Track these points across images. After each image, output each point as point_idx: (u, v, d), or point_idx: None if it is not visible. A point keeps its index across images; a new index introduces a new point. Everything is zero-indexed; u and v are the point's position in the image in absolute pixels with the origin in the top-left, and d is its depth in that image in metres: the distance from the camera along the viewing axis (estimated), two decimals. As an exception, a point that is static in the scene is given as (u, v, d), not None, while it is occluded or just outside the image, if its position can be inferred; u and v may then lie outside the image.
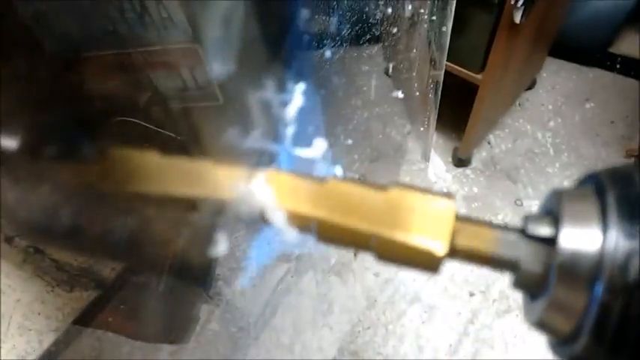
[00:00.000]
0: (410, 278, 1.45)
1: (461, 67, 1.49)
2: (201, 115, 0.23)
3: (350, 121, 0.70)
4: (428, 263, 0.28)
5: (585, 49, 1.99)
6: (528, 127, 1.86)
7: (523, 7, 1.36)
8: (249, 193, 0.29)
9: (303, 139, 0.32)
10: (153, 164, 0.25)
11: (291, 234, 0.29)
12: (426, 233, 0.28)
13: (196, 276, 0.28)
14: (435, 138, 1.74)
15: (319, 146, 0.30)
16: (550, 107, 1.92)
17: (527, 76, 1.91)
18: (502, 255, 0.27)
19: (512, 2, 1.36)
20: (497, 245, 0.27)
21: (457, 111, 1.66)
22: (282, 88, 0.29)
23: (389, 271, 1.45)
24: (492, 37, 1.41)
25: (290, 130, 0.30)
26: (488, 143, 1.81)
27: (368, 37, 0.70)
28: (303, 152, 0.31)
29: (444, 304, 1.42)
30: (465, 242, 0.28)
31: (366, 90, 0.72)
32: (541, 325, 0.27)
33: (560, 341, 0.27)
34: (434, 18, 1.14)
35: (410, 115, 1.27)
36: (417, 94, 1.17)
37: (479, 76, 1.47)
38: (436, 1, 1.17)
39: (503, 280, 1.43)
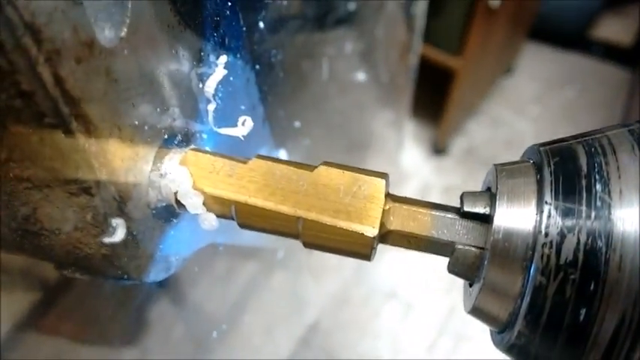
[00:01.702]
0: (386, 274, 1.42)
1: (437, 50, 1.47)
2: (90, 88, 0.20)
3: (307, 105, 0.67)
4: (358, 247, 0.26)
5: (563, 33, 1.98)
6: (507, 114, 1.84)
7: (499, -9, 1.34)
8: (160, 175, 0.26)
9: (229, 117, 0.29)
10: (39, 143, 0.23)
11: (210, 220, 0.27)
12: (355, 214, 0.25)
13: (105, 268, 0.25)
14: (412, 126, 1.72)
15: (246, 125, 0.28)
16: (529, 93, 1.91)
17: (505, 60, 1.89)
18: (437, 236, 0.25)
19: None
20: (432, 226, 0.25)
21: (434, 98, 1.63)
22: (200, 59, 0.27)
23: (365, 267, 1.42)
24: (469, 20, 1.39)
25: (211, 107, 0.28)
26: (466, 132, 1.79)
27: (328, 15, 0.68)
28: (227, 131, 0.28)
29: (421, 300, 1.40)
30: (397, 223, 0.25)
31: (326, 71, 0.69)
32: (477, 311, 0.25)
33: (498, 329, 0.25)
34: None
35: (382, 101, 1.25)
36: (390, 78, 1.14)
37: (455, 61, 1.45)
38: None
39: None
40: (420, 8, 1.20)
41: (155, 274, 0.28)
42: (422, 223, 0.25)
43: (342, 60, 0.84)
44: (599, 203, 0.21)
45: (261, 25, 0.34)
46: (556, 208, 0.21)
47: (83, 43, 0.20)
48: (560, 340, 0.21)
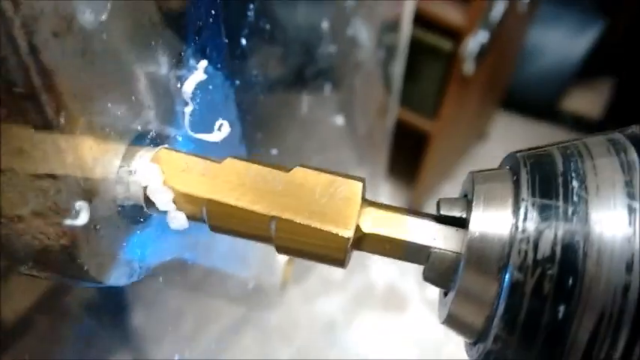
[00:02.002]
0: (357, 339, 1.38)
1: (413, 113, 1.51)
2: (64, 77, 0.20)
3: (283, 144, 0.67)
4: (333, 250, 0.25)
5: (535, 103, 2.05)
6: (480, 179, 1.87)
7: (473, 59, 1.40)
8: (129, 171, 0.25)
9: (206, 125, 0.29)
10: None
11: (179, 219, 0.26)
12: (330, 216, 0.25)
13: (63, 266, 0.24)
14: (387, 187, 1.73)
15: (223, 130, 0.27)
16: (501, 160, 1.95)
17: (479, 127, 1.95)
18: (413, 240, 0.24)
19: (463, 53, 1.40)
20: (409, 229, 0.25)
21: (409, 160, 1.66)
22: (179, 62, 0.27)
23: (336, 329, 1.39)
24: (444, 85, 1.44)
25: (188, 110, 0.27)
26: (441, 194, 1.81)
27: (310, 74, 0.69)
28: (203, 136, 0.28)
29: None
30: (373, 226, 0.25)
31: (305, 106, 0.70)
32: (451, 319, 0.24)
33: (472, 339, 0.24)
34: (385, 59, 1.15)
35: (359, 157, 1.26)
36: (367, 134, 1.16)
37: (431, 124, 1.48)
38: (387, 48, 1.19)
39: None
40: (397, 68, 1.24)
41: (116, 278, 0.26)
42: (398, 226, 0.25)
43: (321, 103, 0.85)
44: (575, 199, 0.20)
45: (243, 42, 0.35)
46: (533, 205, 0.21)
47: (62, 17, 0.20)
48: (539, 341, 0.20)
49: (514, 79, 1.88)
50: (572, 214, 0.20)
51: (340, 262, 0.25)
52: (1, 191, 0.22)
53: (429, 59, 1.46)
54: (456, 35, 1.40)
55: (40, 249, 0.24)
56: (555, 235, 0.20)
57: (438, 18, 1.41)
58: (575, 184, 0.21)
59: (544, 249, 0.20)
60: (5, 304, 0.34)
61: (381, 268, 1.52)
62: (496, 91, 1.82)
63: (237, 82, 0.34)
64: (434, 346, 1.40)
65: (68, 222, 0.22)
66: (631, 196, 0.20)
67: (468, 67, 1.42)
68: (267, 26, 0.44)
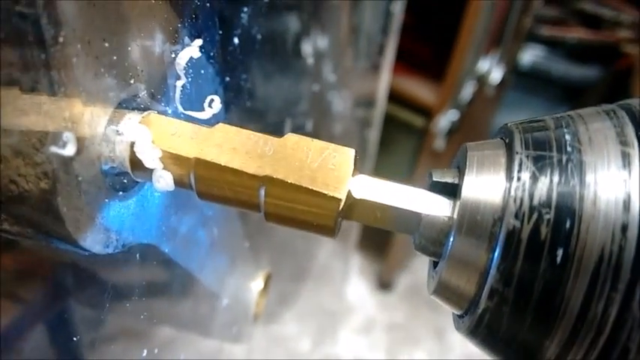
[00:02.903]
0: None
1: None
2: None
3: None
4: (323, 215, 0.24)
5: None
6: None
7: (444, 136, 1.45)
8: (117, 131, 0.25)
9: (196, 104, 0.29)
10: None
11: (166, 179, 0.25)
12: (322, 180, 0.24)
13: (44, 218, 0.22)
14: (357, 259, 1.72)
15: (214, 106, 0.27)
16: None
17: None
18: (404, 207, 0.24)
19: (434, 130, 1.45)
20: (400, 196, 0.24)
21: (380, 232, 1.66)
22: (175, 37, 0.27)
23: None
24: (416, 159, 1.47)
25: (180, 84, 0.27)
26: (412, 269, 1.81)
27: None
28: (193, 114, 0.28)
29: None
30: (364, 193, 0.24)
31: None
32: (442, 287, 0.23)
33: (463, 310, 0.23)
34: (361, 131, 1.18)
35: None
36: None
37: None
38: (363, 121, 1.22)
39: None
40: (372, 139, 1.27)
41: (92, 242, 0.25)
42: (389, 194, 0.24)
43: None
44: (569, 149, 0.21)
45: (236, 40, 0.35)
46: (527, 157, 0.21)
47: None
48: (537, 290, 0.20)
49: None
50: (567, 161, 0.20)
51: (330, 229, 0.25)
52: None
53: (402, 134, 1.51)
54: (427, 113, 1.45)
55: (16, 195, 0.22)
56: (551, 181, 0.20)
57: (411, 96, 1.47)
58: (568, 137, 0.21)
59: (540, 195, 0.20)
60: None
61: (349, 340, 1.47)
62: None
63: (228, 78, 0.34)
64: None
65: (54, 149, 0.21)
66: (623, 143, 0.20)
67: (439, 143, 1.46)
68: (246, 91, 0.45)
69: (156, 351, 0.43)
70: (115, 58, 0.24)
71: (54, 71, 0.21)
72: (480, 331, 0.22)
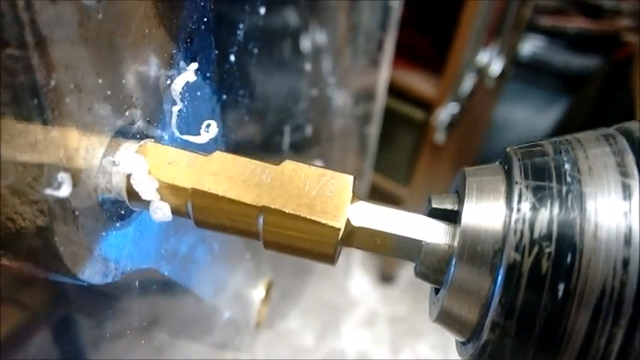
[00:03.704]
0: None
1: (386, 179, 1.53)
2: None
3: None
4: (322, 245, 0.24)
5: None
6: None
7: (444, 129, 1.45)
8: (113, 162, 0.25)
9: (193, 128, 0.29)
10: None
11: (163, 209, 0.25)
12: (320, 208, 0.24)
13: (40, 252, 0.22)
14: (359, 253, 1.72)
15: (210, 131, 0.27)
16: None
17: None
18: (404, 234, 0.24)
19: (434, 123, 1.45)
20: (400, 223, 0.24)
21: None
22: (170, 62, 0.27)
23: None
24: (416, 153, 1.47)
25: (176, 109, 0.27)
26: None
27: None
28: (190, 138, 0.27)
29: None
30: (364, 220, 0.24)
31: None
32: (444, 315, 0.23)
33: (466, 337, 0.23)
34: (361, 125, 1.17)
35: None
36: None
37: (403, 190, 1.50)
38: (363, 115, 1.22)
39: None
40: (372, 133, 1.27)
41: (90, 274, 0.25)
42: (389, 220, 0.24)
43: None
44: (569, 179, 0.20)
45: (232, 58, 0.35)
46: (527, 187, 0.21)
47: (60, -15, 0.20)
48: (539, 323, 0.20)
49: (484, 150, 1.93)
50: (567, 192, 0.20)
51: (330, 257, 0.25)
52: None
53: (402, 128, 1.50)
54: (427, 106, 1.45)
55: (13, 232, 0.22)
56: (551, 214, 0.20)
57: (411, 89, 1.47)
58: (567, 167, 0.21)
59: (540, 227, 0.20)
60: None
61: (352, 334, 1.47)
62: (466, 160, 1.87)
63: (225, 96, 0.34)
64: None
65: (49, 192, 0.21)
66: (624, 174, 0.20)
67: (439, 136, 1.46)
68: (245, 92, 0.45)
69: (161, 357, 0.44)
70: (109, 91, 0.24)
71: (47, 110, 0.20)
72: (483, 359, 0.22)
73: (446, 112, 1.43)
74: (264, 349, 1.23)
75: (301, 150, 0.79)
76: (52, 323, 0.42)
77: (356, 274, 1.69)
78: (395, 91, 1.40)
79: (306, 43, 0.72)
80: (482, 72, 1.47)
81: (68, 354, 0.42)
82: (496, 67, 1.48)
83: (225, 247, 0.41)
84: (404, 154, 1.51)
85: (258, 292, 0.50)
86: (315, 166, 0.25)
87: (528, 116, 1.84)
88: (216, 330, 0.51)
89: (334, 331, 1.47)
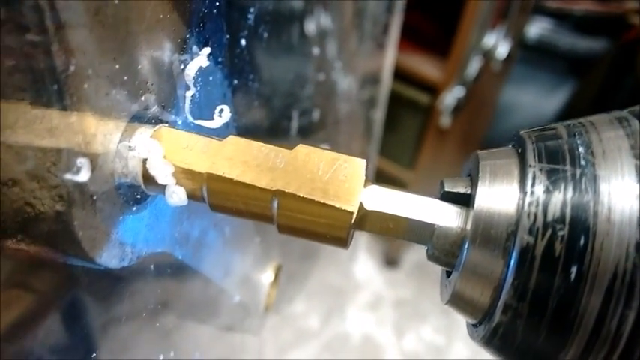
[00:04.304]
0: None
1: (391, 163, 1.53)
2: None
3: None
4: (336, 229, 0.24)
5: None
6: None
7: (450, 113, 1.45)
8: (129, 147, 0.25)
9: (206, 113, 0.29)
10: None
11: (179, 194, 0.25)
12: (334, 192, 0.24)
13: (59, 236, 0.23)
14: (364, 237, 1.73)
15: (223, 115, 0.27)
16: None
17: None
18: (417, 217, 0.24)
19: (440, 107, 1.44)
20: (413, 207, 0.24)
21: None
22: (183, 47, 0.27)
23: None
24: (422, 137, 1.47)
25: (189, 94, 0.27)
26: (418, 245, 1.81)
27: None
28: (203, 123, 0.28)
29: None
30: (376, 204, 0.25)
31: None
32: (456, 298, 0.23)
33: (477, 319, 0.23)
34: (366, 109, 1.17)
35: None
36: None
37: (408, 174, 1.50)
38: (368, 99, 1.21)
39: None
40: (378, 117, 1.26)
41: (108, 258, 0.25)
42: (402, 204, 0.25)
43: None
44: (583, 162, 0.21)
45: (243, 42, 0.35)
46: (540, 170, 0.21)
47: (77, -29, 0.20)
48: (551, 306, 0.20)
49: (489, 134, 1.93)
50: (581, 175, 0.20)
51: (343, 240, 0.25)
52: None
53: (408, 112, 1.50)
54: (433, 90, 1.44)
55: (32, 217, 0.23)
56: (565, 197, 0.20)
57: (417, 73, 1.46)
58: (581, 150, 0.21)
59: (554, 211, 0.20)
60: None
61: (357, 317, 1.49)
62: (472, 144, 1.86)
63: (235, 81, 0.34)
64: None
65: (68, 177, 0.21)
66: (637, 157, 0.20)
67: (445, 120, 1.46)
68: (254, 77, 0.45)
69: (170, 340, 0.44)
70: (125, 76, 0.24)
71: (66, 96, 0.21)
72: (495, 342, 0.22)
73: (452, 95, 1.43)
74: (270, 332, 1.24)
75: (308, 134, 0.79)
76: (64, 306, 0.43)
77: (361, 257, 1.70)
78: (400, 74, 1.40)
79: (312, 28, 0.72)
80: (488, 55, 1.46)
81: (79, 337, 0.43)
82: (502, 49, 1.48)
83: (236, 231, 0.42)
84: (409, 138, 1.50)
85: (267, 276, 0.51)
86: (328, 150, 0.26)
87: (534, 99, 1.83)
88: (225, 312, 0.51)
89: (339, 314, 1.49)
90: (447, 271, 0.26)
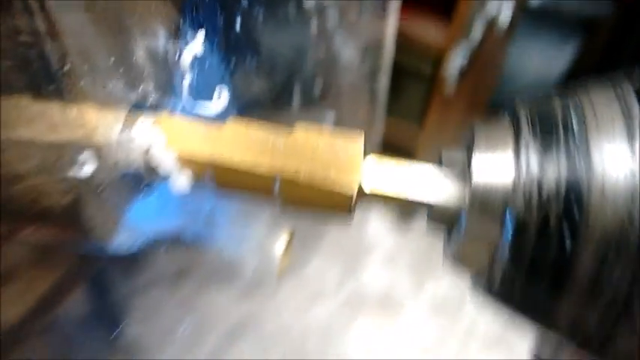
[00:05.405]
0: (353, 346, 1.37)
1: (397, 132, 1.52)
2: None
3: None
4: (338, 204, 0.25)
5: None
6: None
7: (454, 80, 1.43)
8: (130, 136, 0.25)
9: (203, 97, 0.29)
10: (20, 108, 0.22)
11: (182, 181, 0.26)
12: (334, 172, 0.25)
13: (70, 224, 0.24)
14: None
15: (222, 97, 0.27)
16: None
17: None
18: (415, 197, 0.25)
19: (444, 74, 1.42)
20: (410, 184, 0.25)
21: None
22: (178, 34, 0.27)
23: (335, 332, 1.37)
24: (426, 106, 1.46)
25: (186, 81, 0.27)
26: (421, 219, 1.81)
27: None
28: (201, 106, 0.28)
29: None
30: (374, 184, 0.25)
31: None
32: (458, 258, 0.24)
33: (479, 276, 0.24)
34: (370, 78, 1.16)
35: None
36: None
37: (414, 141, 1.50)
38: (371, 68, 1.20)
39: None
40: (382, 85, 1.25)
41: (118, 244, 0.26)
42: (400, 181, 0.25)
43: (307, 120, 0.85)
44: (576, 127, 0.21)
45: (239, 18, 0.35)
46: (534, 144, 0.21)
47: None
48: (546, 278, 0.21)
49: (495, 97, 1.90)
50: (574, 151, 0.20)
51: (345, 216, 0.26)
52: (1, 150, 0.22)
53: (411, 81, 1.49)
54: (436, 57, 1.42)
55: (42, 209, 0.23)
56: (558, 173, 0.20)
57: (420, 39, 1.44)
58: (574, 122, 0.21)
59: (548, 187, 0.20)
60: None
61: (374, 273, 1.51)
62: (477, 110, 1.84)
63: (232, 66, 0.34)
64: (432, 350, 1.39)
65: (74, 169, 0.21)
66: (631, 133, 0.20)
67: (449, 87, 1.44)
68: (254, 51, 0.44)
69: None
70: (122, 67, 0.24)
71: (65, 92, 0.21)
72: (494, 296, 0.23)
73: (455, 61, 1.41)
74: (288, 294, 1.27)
75: (312, 105, 0.79)
76: (88, 281, 0.44)
77: (373, 216, 1.71)
78: (403, 42, 1.37)
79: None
80: (492, 19, 1.43)
81: (106, 307, 0.44)
82: (506, 13, 1.44)
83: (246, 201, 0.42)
84: (414, 107, 1.50)
85: (280, 242, 0.51)
86: (327, 129, 0.26)
87: (539, 63, 1.79)
88: (241, 279, 0.53)
89: (355, 274, 1.51)
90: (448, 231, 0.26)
